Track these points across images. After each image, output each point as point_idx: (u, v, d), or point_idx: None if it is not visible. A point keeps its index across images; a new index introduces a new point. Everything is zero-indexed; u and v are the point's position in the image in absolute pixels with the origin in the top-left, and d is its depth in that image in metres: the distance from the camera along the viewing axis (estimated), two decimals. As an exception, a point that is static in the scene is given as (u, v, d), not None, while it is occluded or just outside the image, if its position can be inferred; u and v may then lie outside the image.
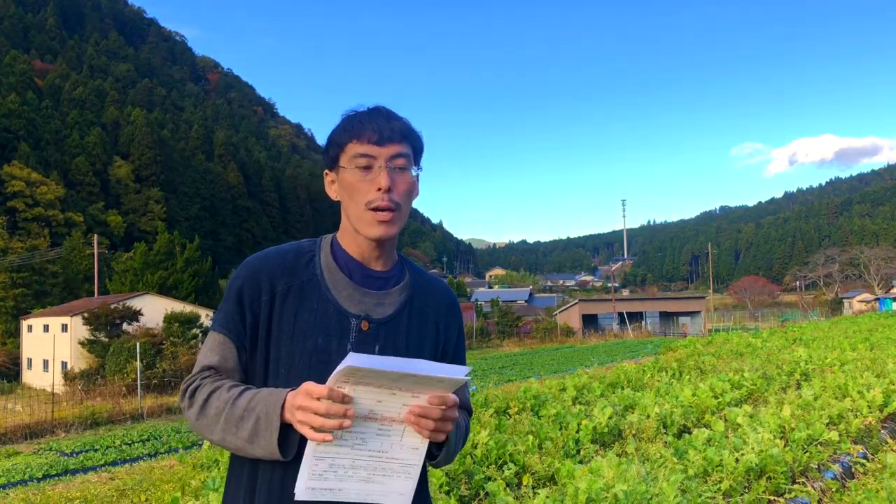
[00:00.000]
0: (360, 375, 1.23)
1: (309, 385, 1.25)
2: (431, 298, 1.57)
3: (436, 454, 1.41)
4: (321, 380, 1.32)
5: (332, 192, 1.51)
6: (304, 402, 1.24)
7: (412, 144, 1.48)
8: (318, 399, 1.22)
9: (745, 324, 63.08)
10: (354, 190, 1.44)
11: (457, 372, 1.28)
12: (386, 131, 1.43)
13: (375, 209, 1.42)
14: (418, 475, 1.36)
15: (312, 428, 1.23)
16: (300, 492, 1.28)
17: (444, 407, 1.31)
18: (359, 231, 1.45)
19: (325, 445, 1.27)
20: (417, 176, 1.53)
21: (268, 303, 1.43)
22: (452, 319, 1.61)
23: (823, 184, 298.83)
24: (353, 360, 1.20)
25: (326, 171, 1.52)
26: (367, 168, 1.43)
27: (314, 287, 1.45)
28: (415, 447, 1.34)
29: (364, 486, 1.32)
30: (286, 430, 1.30)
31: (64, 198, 73.18)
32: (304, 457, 1.27)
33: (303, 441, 1.29)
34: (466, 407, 1.64)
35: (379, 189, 1.41)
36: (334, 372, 1.23)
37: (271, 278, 1.45)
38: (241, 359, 1.45)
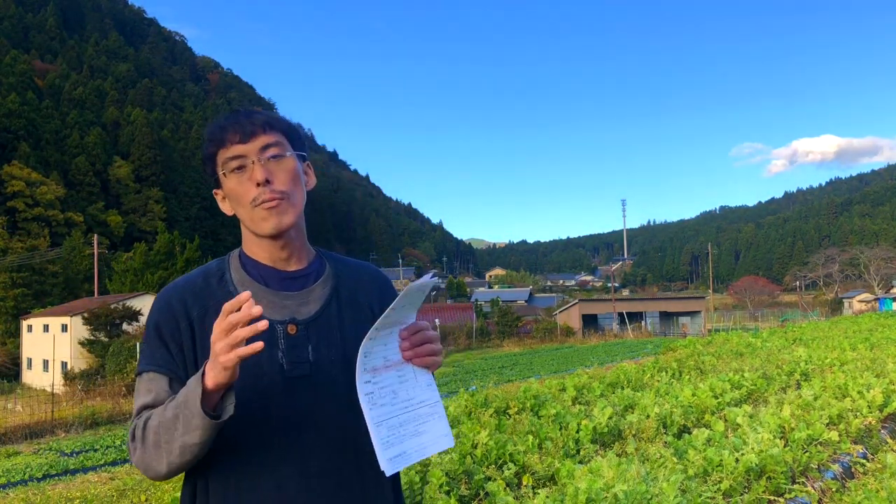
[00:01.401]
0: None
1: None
2: (361, 283, 1.54)
3: None
4: (256, 396, 1.33)
5: (227, 208, 1.47)
6: (219, 325, 1.17)
7: (281, 131, 1.44)
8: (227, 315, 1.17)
9: (745, 324, 63.06)
10: (238, 194, 1.41)
11: (424, 279, 1.30)
12: (247, 127, 1.40)
13: (261, 204, 1.38)
14: (444, 411, 1.37)
15: (236, 346, 1.16)
16: (386, 468, 1.26)
17: (426, 330, 1.35)
18: (256, 232, 1.41)
19: (374, 409, 1.26)
20: (305, 161, 1.50)
21: (187, 329, 1.38)
22: (387, 300, 1.54)
23: (823, 184, 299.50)
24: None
25: (216, 190, 1.48)
26: (241, 168, 1.40)
27: None
28: (428, 384, 1.35)
29: (418, 441, 1.30)
30: (215, 406, 1.24)
31: (64, 198, 73.20)
32: (370, 431, 1.25)
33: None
34: None
35: (258, 184, 1.38)
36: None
37: (184, 305, 1.40)
38: (175, 388, 1.36)
